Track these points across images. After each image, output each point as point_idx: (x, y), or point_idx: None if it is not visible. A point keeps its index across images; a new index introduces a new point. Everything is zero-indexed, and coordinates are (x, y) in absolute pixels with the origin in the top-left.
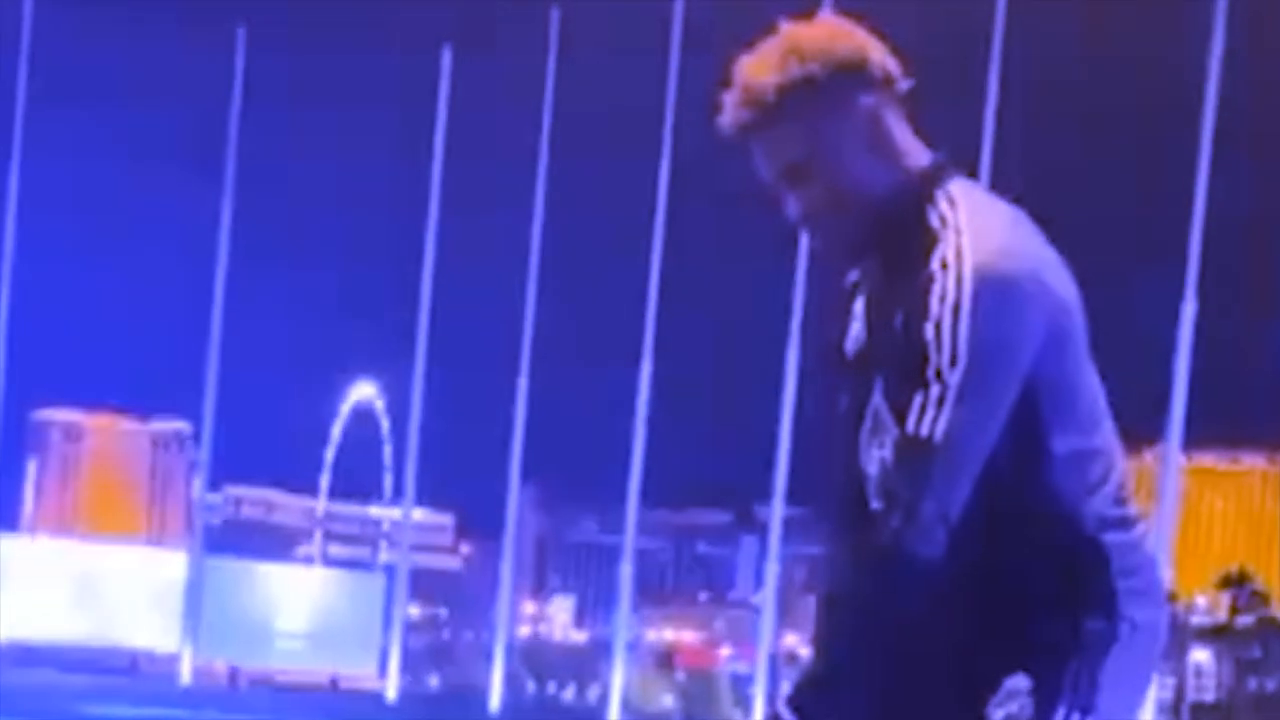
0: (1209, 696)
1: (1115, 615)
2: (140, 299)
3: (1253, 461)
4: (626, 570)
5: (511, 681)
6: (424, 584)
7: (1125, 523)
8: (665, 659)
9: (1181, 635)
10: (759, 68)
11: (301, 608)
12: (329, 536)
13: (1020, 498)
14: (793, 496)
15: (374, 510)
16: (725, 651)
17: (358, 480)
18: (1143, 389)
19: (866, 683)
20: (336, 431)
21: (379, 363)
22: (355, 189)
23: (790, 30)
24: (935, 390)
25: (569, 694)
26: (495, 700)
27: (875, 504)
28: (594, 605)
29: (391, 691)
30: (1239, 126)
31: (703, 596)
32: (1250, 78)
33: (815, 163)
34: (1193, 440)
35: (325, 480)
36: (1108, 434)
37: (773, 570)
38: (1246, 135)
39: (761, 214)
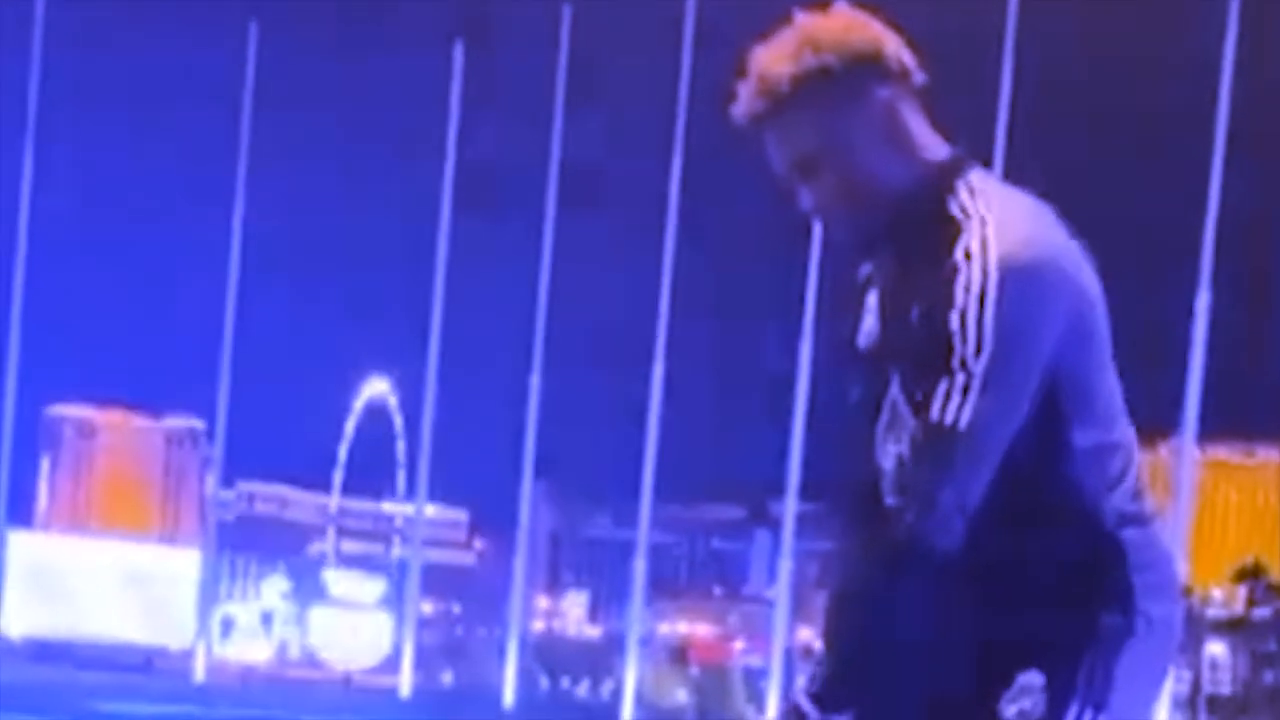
0: (1225, 690)
1: (1131, 610)
2: (153, 296)
3: (1267, 455)
4: (640, 565)
5: (525, 677)
6: (437, 580)
7: (1142, 518)
8: (679, 654)
9: (1197, 628)
10: (774, 58)
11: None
12: (342, 533)
13: (1039, 491)
14: (806, 492)
15: (387, 506)
16: (739, 646)
17: (371, 477)
18: (1157, 383)
19: (879, 678)
20: (350, 428)
21: (391, 359)
22: (367, 186)
23: (805, 21)
24: (960, 378)
25: (583, 689)
26: (509, 696)
27: (890, 499)
28: (608, 600)
29: (405, 688)
30: (1253, 122)
31: (717, 591)
32: (1262, 73)
33: (829, 154)
34: (1207, 434)
35: (339, 477)
36: (1126, 428)
37: (786, 565)
38: (1261, 131)
39: (773, 208)
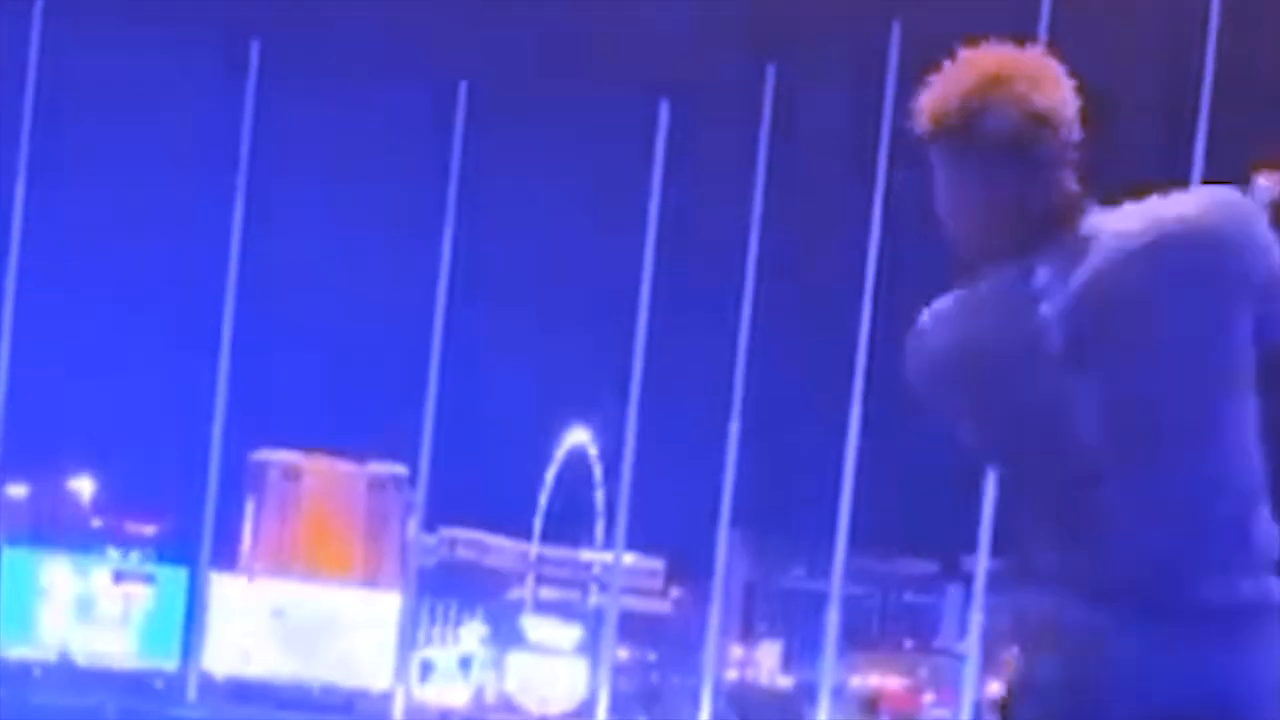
0: None
1: None
2: (357, 342)
3: None
4: (833, 617)
5: None
6: (633, 627)
7: None
8: (870, 705)
9: None
10: (993, 88)
11: None
12: (541, 579)
13: None
14: (997, 548)
15: (585, 554)
16: (929, 699)
17: (570, 524)
18: None
19: None
20: (550, 476)
21: (592, 409)
22: (572, 240)
23: (1027, 62)
24: None
25: None
26: None
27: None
28: (800, 651)
29: None
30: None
31: (908, 644)
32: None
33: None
34: None
35: (538, 524)
36: None
37: (977, 619)
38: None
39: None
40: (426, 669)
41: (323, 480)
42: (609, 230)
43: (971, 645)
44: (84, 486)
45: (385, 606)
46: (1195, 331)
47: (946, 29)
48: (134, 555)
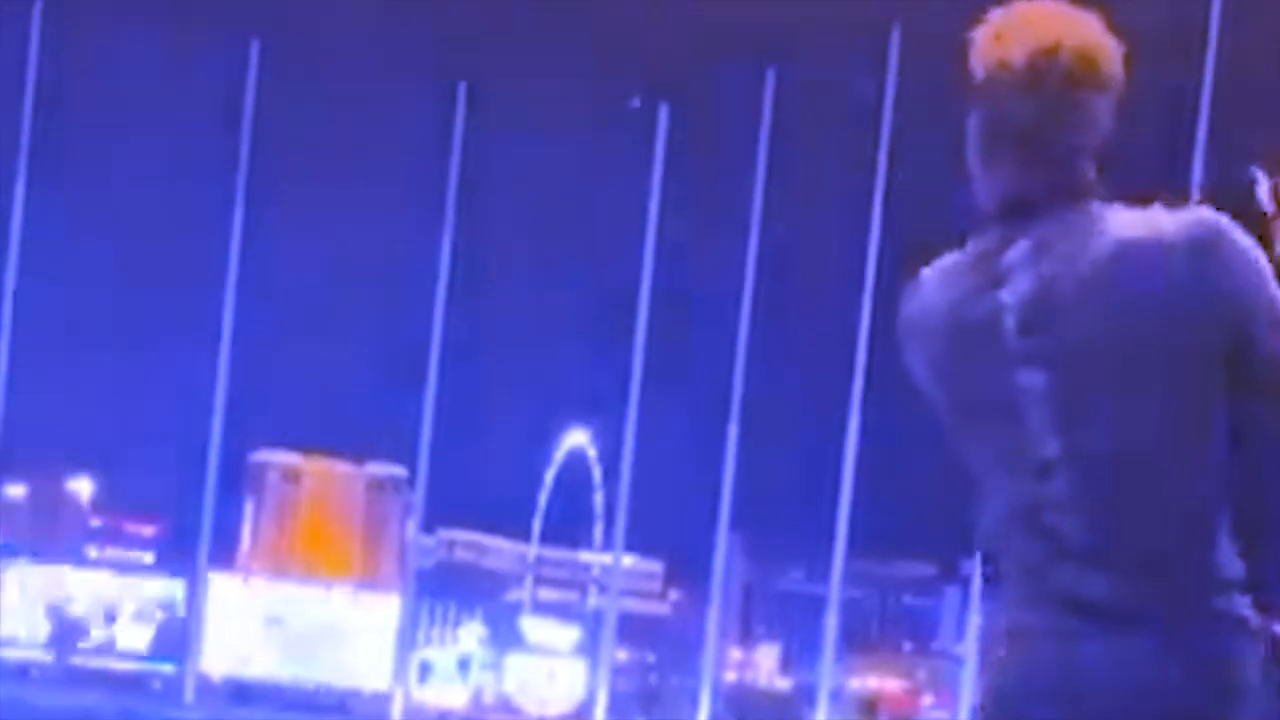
0: None
1: None
2: (356, 344)
3: None
4: (832, 619)
5: None
6: (632, 629)
7: None
8: (869, 707)
9: None
10: (1077, 35)
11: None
12: (540, 581)
13: None
14: None
15: (585, 556)
16: (928, 701)
17: (569, 526)
18: None
19: None
20: (549, 478)
21: (592, 411)
22: (570, 242)
23: (1094, 30)
24: None
25: None
26: None
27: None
28: (799, 653)
29: None
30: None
31: (907, 647)
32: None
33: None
34: None
35: (537, 525)
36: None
37: (975, 622)
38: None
39: None
40: (425, 670)
41: (321, 481)
42: (609, 230)
43: (970, 647)
44: (83, 487)
45: (384, 608)
46: (1159, 345)
47: (947, 29)
48: (132, 556)
